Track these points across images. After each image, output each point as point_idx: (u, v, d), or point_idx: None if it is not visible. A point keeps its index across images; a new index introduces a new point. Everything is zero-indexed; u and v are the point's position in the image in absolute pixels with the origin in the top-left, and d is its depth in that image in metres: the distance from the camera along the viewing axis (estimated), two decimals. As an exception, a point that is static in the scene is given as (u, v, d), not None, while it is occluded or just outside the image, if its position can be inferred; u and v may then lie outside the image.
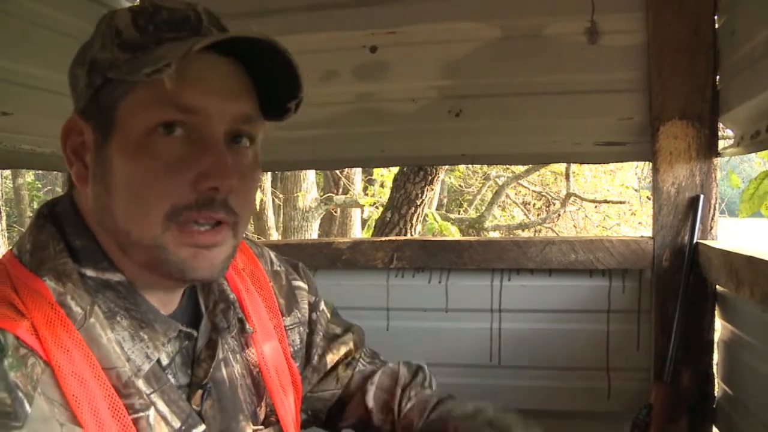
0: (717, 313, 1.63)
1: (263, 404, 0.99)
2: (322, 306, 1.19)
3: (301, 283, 1.15)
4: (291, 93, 0.85)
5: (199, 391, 0.88)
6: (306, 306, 1.14)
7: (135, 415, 0.78)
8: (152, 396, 0.80)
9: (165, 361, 0.84)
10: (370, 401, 1.17)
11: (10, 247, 0.85)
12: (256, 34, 0.77)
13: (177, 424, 0.82)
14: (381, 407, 1.17)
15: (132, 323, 0.81)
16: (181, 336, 0.87)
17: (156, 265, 0.80)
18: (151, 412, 0.79)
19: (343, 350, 1.19)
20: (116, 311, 0.80)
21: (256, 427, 0.97)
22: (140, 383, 0.79)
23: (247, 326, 0.98)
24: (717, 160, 1.67)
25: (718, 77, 1.63)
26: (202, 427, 0.85)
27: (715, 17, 1.63)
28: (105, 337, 0.77)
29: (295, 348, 1.10)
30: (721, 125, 1.68)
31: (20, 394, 0.69)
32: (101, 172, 0.80)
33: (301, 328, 1.12)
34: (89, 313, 0.77)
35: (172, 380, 0.85)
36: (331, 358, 1.17)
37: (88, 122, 0.81)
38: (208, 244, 0.80)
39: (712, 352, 1.65)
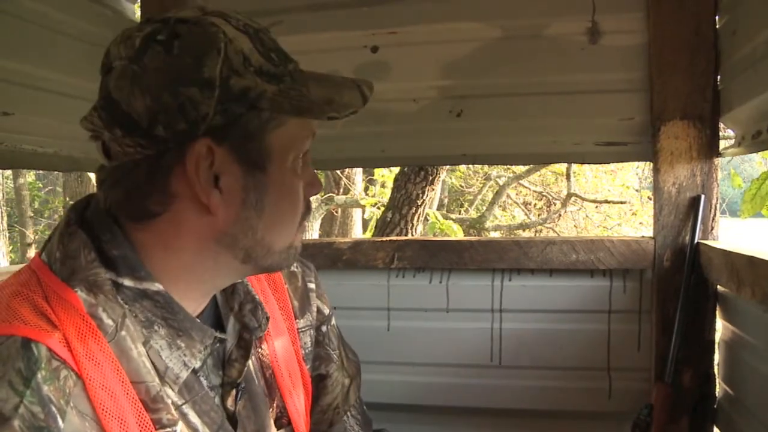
0: (718, 313, 1.63)
1: (274, 405, 1.00)
2: (334, 320, 1.19)
3: (313, 285, 1.15)
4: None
5: (233, 391, 0.90)
6: (316, 309, 1.14)
7: (162, 431, 0.79)
8: (184, 407, 0.82)
9: (197, 365, 0.85)
10: None
11: (38, 252, 0.85)
12: (371, 91, 0.88)
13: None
14: None
15: (169, 332, 0.82)
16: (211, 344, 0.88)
17: (279, 265, 0.92)
18: (179, 427, 0.80)
19: (337, 392, 1.17)
20: (153, 320, 0.81)
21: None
22: (172, 394, 0.80)
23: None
24: (718, 160, 1.67)
25: (719, 77, 1.63)
26: None
27: (716, 17, 1.63)
28: (135, 351, 0.78)
29: (307, 350, 1.10)
30: (722, 125, 1.68)
31: (53, 409, 0.69)
32: (255, 198, 0.84)
33: (312, 331, 1.12)
34: (120, 326, 0.78)
35: (205, 382, 0.87)
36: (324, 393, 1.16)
37: (221, 147, 0.80)
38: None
39: (713, 352, 1.65)
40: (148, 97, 0.77)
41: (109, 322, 0.77)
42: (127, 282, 0.80)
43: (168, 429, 0.79)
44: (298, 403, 1.04)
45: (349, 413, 1.19)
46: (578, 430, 1.79)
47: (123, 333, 0.78)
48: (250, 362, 0.96)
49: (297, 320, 1.09)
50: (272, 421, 0.98)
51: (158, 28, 0.79)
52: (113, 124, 0.80)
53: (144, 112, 0.77)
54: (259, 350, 1.00)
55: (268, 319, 0.97)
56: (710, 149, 1.65)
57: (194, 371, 0.85)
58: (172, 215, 0.82)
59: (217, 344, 0.89)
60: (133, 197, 0.82)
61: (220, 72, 0.77)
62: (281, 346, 1.03)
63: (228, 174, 0.81)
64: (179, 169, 0.80)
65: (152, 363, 0.80)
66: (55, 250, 0.82)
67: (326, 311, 1.16)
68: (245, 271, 0.90)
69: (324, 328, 1.15)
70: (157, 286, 0.82)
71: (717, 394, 1.64)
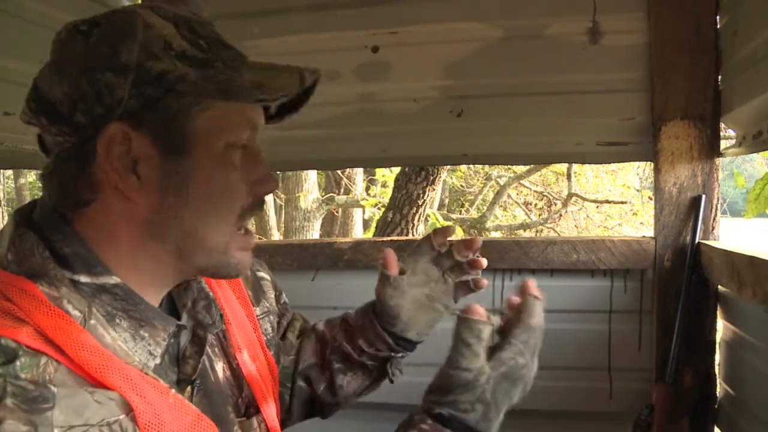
0: (719, 313, 1.63)
1: (243, 396, 1.01)
2: (284, 297, 1.24)
3: (264, 274, 1.19)
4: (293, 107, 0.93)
5: (189, 388, 0.89)
6: (272, 295, 1.18)
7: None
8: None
9: (158, 361, 0.84)
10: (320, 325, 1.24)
11: None
12: (316, 77, 0.86)
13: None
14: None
15: (132, 323, 0.81)
16: (172, 333, 0.87)
17: (218, 268, 0.87)
18: (173, 392, 0.80)
19: (297, 326, 1.25)
20: (114, 314, 0.80)
21: (240, 419, 0.99)
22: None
23: (224, 321, 1.00)
24: (719, 160, 1.67)
25: (720, 77, 1.63)
26: None
27: (717, 17, 1.63)
28: (109, 336, 0.77)
29: (268, 336, 1.12)
30: (723, 125, 1.68)
31: (40, 381, 0.68)
32: (176, 183, 0.81)
33: (271, 317, 1.15)
34: (88, 315, 0.77)
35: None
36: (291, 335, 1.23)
37: (138, 131, 0.79)
38: (251, 245, 0.90)
39: (714, 352, 1.65)
40: (65, 83, 0.78)
41: (76, 312, 0.76)
42: (84, 278, 0.79)
43: (168, 389, 0.79)
44: (265, 392, 1.04)
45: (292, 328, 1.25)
46: (579, 430, 1.79)
47: (93, 321, 0.76)
48: (213, 357, 0.97)
49: (254, 308, 1.11)
50: (232, 416, 0.97)
51: (83, 20, 0.81)
52: (39, 113, 0.81)
53: (64, 98, 0.79)
54: (224, 344, 1.00)
55: (222, 315, 0.98)
56: (711, 149, 1.65)
57: (158, 363, 0.84)
58: (100, 204, 0.81)
59: (172, 340, 0.88)
60: (66, 186, 0.82)
61: (138, 57, 0.77)
62: (245, 337, 1.04)
63: (146, 159, 0.80)
64: (100, 155, 0.79)
65: (126, 347, 0.79)
66: (6, 252, 0.80)
67: (277, 291, 1.21)
68: (185, 269, 0.87)
69: (282, 301, 1.22)
70: (115, 279, 0.81)
71: (718, 394, 1.64)
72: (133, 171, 0.80)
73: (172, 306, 0.94)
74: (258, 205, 0.88)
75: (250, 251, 0.90)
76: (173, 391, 0.80)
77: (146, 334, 0.82)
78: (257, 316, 1.10)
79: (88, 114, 0.78)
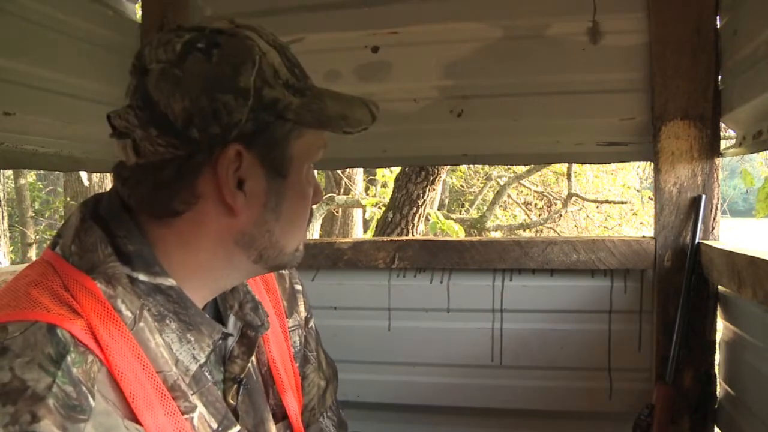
0: (719, 313, 1.63)
1: (269, 401, 1.03)
2: (312, 323, 1.23)
3: (300, 287, 1.21)
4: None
5: (235, 386, 0.94)
6: (303, 309, 1.19)
7: (185, 416, 0.82)
8: (192, 397, 0.84)
9: (202, 361, 0.88)
10: None
11: (48, 247, 0.87)
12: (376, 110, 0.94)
13: (214, 425, 0.86)
14: None
15: (180, 326, 0.85)
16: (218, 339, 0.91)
17: (286, 265, 0.96)
18: (196, 414, 0.83)
19: (313, 393, 1.20)
20: (165, 314, 0.84)
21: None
22: (184, 386, 0.83)
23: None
24: (719, 160, 1.67)
25: (720, 77, 1.63)
26: (237, 427, 0.89)
27: (717, 17, 1.63)
28: (153, 342, 0.81)
29: (296, 349, 1.14)
30: (723, 125, 1.68)
31: (84, 389, 0.72)
32: (275, 201, 0.89)
33: (300, 331, 1.17)
34: (139, 317, 0.81)
35: (209, 377, 0.89)
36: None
37: (250, 152, 0.85)
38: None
39: (714, 352, 1.65)
40: (187, 99, 0.81)
41: (128, 313, 0.80)
42: (142, 276, 0.83)
43: (187, 415, 0.82)
44: (292, 399, 1.07)
45: (325, 414, 1.22)
46: (579, 430, 1.79)
47: (141, 324, 0.81)
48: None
49: (287, 319, 1.13)
50: (270, 416, 1.01)
51: (197, 36, 0.83)
52: (149, 124, 0.82)
53: (181, 113, 0.81)
54: (257, 347, 1.03)
55: (267, 317, 1.01)
56: (711, 149, 1.65)
57: (200, 366, 0.87)
58: (194, 215, 0.86)
59: (221, 341, 0.92)
60: (160, 195, 0.84)
61: (254, 82, 0.82)
62: (277, 345, 1.07)
63: (253, 178, 0.86)
64: (208, 170, 0.83)
65: (167, 354, 0.83)
66: (70, 243, 0.84)
67: (308, 314, 1.21)
68: (255, 270, 0.94)
69: (305, 329, 1.20)
70: (171, 282, 0.85)
71: (718, 395, 1.64)
72: (239, 188, 0.86)
73: (216, 309, 0.99)
74: (312, 213, 0.98)
75: None
76: (195, 415, 0.83)
77: (192, 339, 0.86)
78: (288, 327, 1.13)
79: (204, 131, 0.81)
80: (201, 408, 0.85)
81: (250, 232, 0.89)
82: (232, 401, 0.93)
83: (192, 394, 0.84)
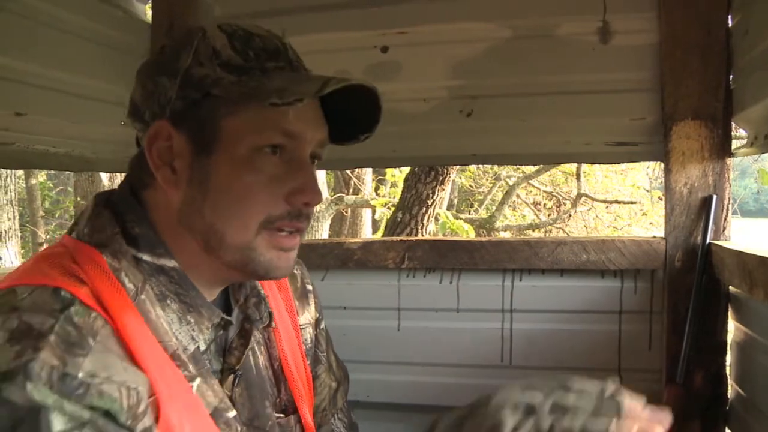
0: (730, 314, 1.62)
1: (281, 396, 1.06)
2: (323, 324, 1.25)
3: (311, 288, 1.22)
4: (365, 127, 1.00)
5: (231, 376, 0.96)
6: (314, 310, 1.21)
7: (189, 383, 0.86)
8: (192, 368, 0.87)
9: (202, 348, 0.91)
10: None
11: (66, 233, 0.92)
12: (368, 84, 0.90)
13: (214, 401, 0.89)
14: None
15: (181, 306, 0.88)
16: (218, 325, 0.94)
17: (244, 264, 0.91)
18: (196, 383, 0.86)
19: (324, 394, 1.21)
20: (167, 294, 0.87)
21: (278, 415, 1.04)
22: (184, 357, 0.86)
23: (273, 321, 1.06)
24: (730, 160, 1.66)
25: (731, 77, 1.62)
26: (233, 411, 0.91)
27: (729, 17, 1.62)
28: (154, 314, 0.85)
29: (307, 346, 1.16)
30: (734, 125, 1.67)
31: (84, 332, 0.76)
32: (199, 179, 0.89)
33: (310, 329, 1.19)
34: (140, 290, 0.85)
35: (208, 365, 0.92)
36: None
37: (178, 130, 0.88)
38: (290, 247, 0.93)
39: (725, 353, 1.64)
40: (140, 87, 0.92)
41: (131, 286, 0.84)
42: (146, 257, 0.88)
43: (189, 384, 0.85)
44: (304, 394, 1.09)
45: (336, 416, 1.24)
46: (589, 431, 1.78)
47: (143, 296, 0.84)
48: (257, 353, 1.03)
49: (298, 317, 1.16)
50: (269, 411, 1.02)
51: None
52: (129, 114, 0.94)
53: (138, 99, 0.92)
54: (269, 344, 1.06)
55: (270, 314, 1.04)
56: (722, 149, 1.64)
57: (201, 352, 0.91)
58: (153, 190, 0.93)
59: (221, 331, 0.95)
60: (131, 168, 0.95)
61: (187, 63, 0.88)
62: (288, 341, 1.09)
63: (181, 156, 0.89)
64: None
65: (168, 327, 0.86)
66: (83, 227, 0.90)
67: (319, 315, 1.23)
68: (217, 263, 0.92)
69: (317, 330, 1.22)
70: (173, 263, 0.89)
71: (729, 396, 1.63)
72: (170, 165, 0.89)
73: (226, 302, 1.01)
74: (295, 215, 0.91)
75: (288, 252, 0.93)
76: (195, 384, 0.86)
77: (192, 320, 0.89)
78: (300, 325, 1.16)
79: (149, 110, 0.90)
80: (200, 381, 0.88)
81: (184, 210, 0.90)
82: (227, 391, 0.94)
83: (191, 367, 0.87)
